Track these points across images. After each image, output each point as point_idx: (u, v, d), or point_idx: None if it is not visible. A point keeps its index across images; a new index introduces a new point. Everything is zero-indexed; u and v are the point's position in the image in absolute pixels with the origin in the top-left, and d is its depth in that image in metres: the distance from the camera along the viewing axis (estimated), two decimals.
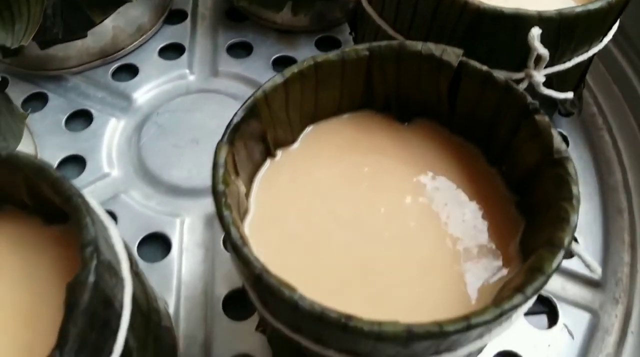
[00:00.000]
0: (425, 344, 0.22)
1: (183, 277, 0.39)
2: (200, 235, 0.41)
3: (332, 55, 0.30)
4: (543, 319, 0.38)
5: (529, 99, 0.28)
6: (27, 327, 0.26)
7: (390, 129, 0.33)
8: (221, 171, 0.25)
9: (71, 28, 0.45)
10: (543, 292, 0.38)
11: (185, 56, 0.51)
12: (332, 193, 0.30)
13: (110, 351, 0.23)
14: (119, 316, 0.24)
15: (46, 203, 0.27)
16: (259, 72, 0.50)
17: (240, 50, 0.53)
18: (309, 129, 0.33)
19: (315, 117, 0.32)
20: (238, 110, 0.27)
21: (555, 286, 0.39)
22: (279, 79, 0.29)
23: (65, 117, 0.47)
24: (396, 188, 0.30)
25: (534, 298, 0.24)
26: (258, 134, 0.29)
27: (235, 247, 0.23)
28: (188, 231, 0.41)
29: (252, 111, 0.28)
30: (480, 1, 0.32)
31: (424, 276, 0.27)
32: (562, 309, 0.38)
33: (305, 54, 0.51)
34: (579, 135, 0.48)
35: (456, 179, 0.31)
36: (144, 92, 0.49)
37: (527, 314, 0.37)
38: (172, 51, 0.52)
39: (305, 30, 0.53)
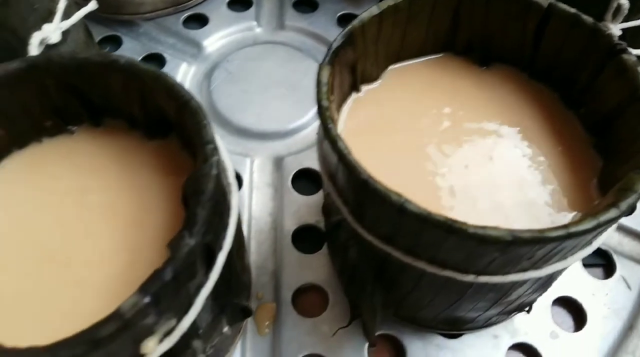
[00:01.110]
0: (521, 252, 0.23)
1: (253, 213, 0.40)
2: (269, 175, 0.42)
3: None
4: (601, 272, 0.39)
5: (616, 39, 0.29)
6: (133, 228, 0.27)
7: (470, 73, 0.34)
8: (325, 89, 0.27)
9: None
10: (602, 245, 0.39)
11: (252, 9, 0.53)
12: (416, 128, 0.31)
13: (221, 246, 0.24)
14: (229, 214, 0.25)
15: (154, 114, 0.28)
16: (324, 27, 0.51)
17: (306, 6, 0.54)
18: (391, 68, 0.34)
19: (399, 56, 0.34)
20: (337, 37, 0.29)
21: (613, 241, 0.40)
22: (375, 10, 0.30)
23: (140, 59, 0.49)
24: (477, 128, 0.32)
25: (613, 227, 0.25)
26: (350, 63, 0.30)
27: (342, 155, 0.24)
28: (258, 170, 0.43)
29: (350, 38, 0.29)
30: None
31: (506, 210, 0.29)
32: (620, 262, 0.39)
33: None
34: None
35: (535, 122, 0.32)
36: (213, 40, 0.50)
37: (586, 265, 0.39)
38: (240, 4, 0.54)
39: None
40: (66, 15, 0.34)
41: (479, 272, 0.25)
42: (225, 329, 0.28)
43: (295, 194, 0.41)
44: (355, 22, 0.29)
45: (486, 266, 0.25)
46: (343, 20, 0.52)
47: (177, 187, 0.29)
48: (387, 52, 0.33)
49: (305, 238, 0.39)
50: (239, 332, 0.34)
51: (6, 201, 0.28)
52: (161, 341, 0.22)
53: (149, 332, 0.21)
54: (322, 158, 0.29)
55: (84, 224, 0.28)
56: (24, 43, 0.31)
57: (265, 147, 0.44)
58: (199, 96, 0.47)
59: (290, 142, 0.44)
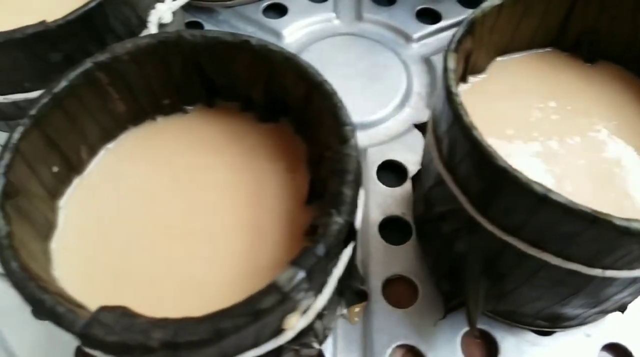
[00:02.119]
0: None
1: None
2: None
3: None
4: None
5: None
6: (250, 207, 0.28)
7: (576, 69, 0.34)
8: (452, 75, 0.27)
9: None
10: None
11: (331, 1, 0.53)
12: (525, 122, 0.31)
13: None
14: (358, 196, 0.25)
15: (275, 96, 0.28)
16: (403, 20, 0.51)
17: None
18: (498, 59, 0.34)
19: (506, 48, 0.33)
20: (460, 26, 0.29)
21: None
22: (496, 0, 0.30)
23: None
24: (587, 125, 0.31)
25: None
26: (467, 53, 0.30)
27: (477, 142, 0.24)
28: None
29: (471, 28, 0.29)
30: None
31: (620, 209, 0.28)
32: None
33: (448, 7, 0.52)
34: None
35: None
36: (293, 30, 0.51)
37: None
38: None
39: None
40: None
41: (606, 267, 0.25)
42: (344, 311, 0.28)
43: (380, 185, 0.41)
44: (477, 11, 0.29)
45: (616, 260, 0.24)
46: (421, 14, 0.52)
47: (289, 168, 0.29)
48: (497, 44, 0.32)
49: (392, 229, 0.39)
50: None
51: (126, 175, 0.29)
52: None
53: (294, 307, 0.21)
54: (442, 146, 0.29)
55: (202, 201, 0.28)
56: (141, 20, 0.31)
57: None
58: None
59: (372, 133, 0.44)
